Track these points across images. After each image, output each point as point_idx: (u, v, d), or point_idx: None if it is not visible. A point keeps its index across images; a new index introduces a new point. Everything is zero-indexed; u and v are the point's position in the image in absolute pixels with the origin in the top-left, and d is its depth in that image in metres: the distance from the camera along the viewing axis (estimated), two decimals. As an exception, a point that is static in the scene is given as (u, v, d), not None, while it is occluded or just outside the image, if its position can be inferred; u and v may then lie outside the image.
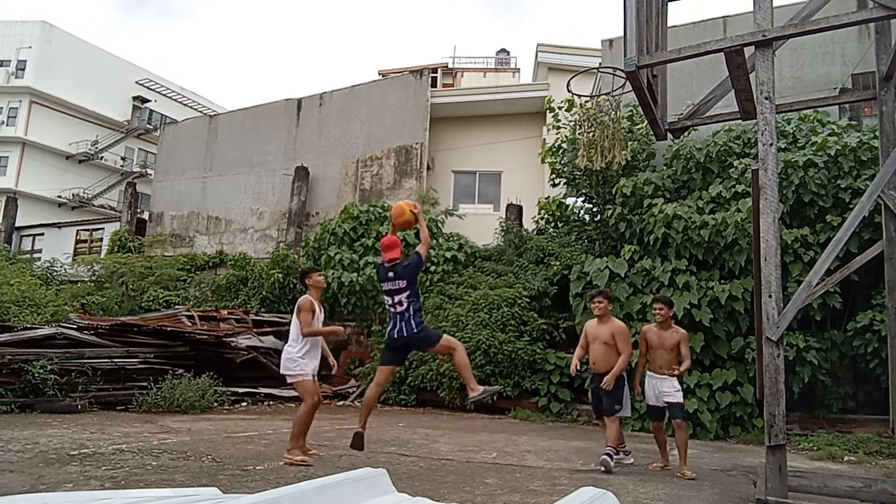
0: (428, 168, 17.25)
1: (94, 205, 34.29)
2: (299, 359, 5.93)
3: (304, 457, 5.79)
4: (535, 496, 4.80)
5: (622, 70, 5.31)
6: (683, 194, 11.08)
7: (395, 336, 5.74)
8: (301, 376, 5.93)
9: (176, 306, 15.00)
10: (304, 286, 6.36)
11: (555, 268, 11.78)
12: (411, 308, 5.71)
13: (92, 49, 36.19)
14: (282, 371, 6.04)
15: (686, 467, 6.02)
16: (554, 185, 13.09)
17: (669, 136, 6.72)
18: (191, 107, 38.44)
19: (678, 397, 6.11)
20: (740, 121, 6.65)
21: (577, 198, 12.80)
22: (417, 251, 5.93)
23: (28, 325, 10.45)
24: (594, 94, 10.32)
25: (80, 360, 9.19)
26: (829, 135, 10.02)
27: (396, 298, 5.75)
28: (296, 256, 15.71)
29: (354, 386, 12.78)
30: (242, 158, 19.29)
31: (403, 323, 5.69)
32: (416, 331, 5.69)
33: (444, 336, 5.93)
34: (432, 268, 13.12)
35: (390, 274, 5.82)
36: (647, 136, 11.61)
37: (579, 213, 12.80)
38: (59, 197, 33.58)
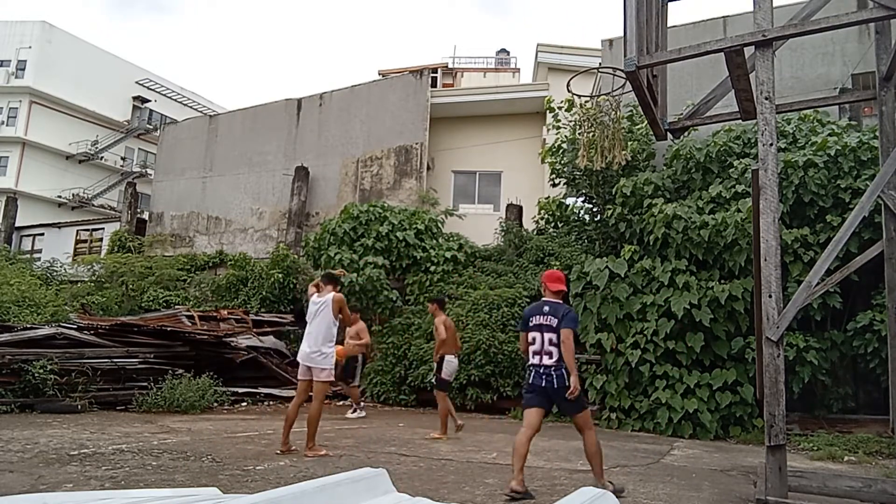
0: (428, 168, 17.26)
1: (94, 205, 34.30)
2: (332, 357, 6.24)
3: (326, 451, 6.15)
4: (535, 496, 4.80)
5: (622, 70, 5.31)
6: (683, 194, 11.07)
7: (544, 384, 4.95)
8: (332, 375, 6.29)
9: (176, 306, 15.00)
10: (315, 288, 6.68)
11: (555, 268, 11.79)
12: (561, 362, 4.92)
13: (92, 49, 36.20)
14: (320, 367, 6.14)
15: (443, 433, 7.73)
16: (554, 185, 13.09)
17: (669, 136, 6.71)
18: (191, 107, 38.45)
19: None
20: (740, 121, 6.65)
21: (577, 198, 12.79)
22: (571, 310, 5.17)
23: (28, 325, 10.44)
24: (594, 94, 10.32)
25: (80, 360, 9.19)
26: (829, 135, 10.01)
27: (547, 337, 4.95)
28: (296, 256, 15.70)
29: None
30: (242, 158, 19.30)
31: (547, 375, 4.93)
32: (566, 384, 4.89)
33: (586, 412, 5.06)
34: (432, 268, 13.11)
35: (545, 308, 5.07)
36: (647, 136, 11.60)
37: (579, 213, 12.80)
38: (59, 197, 33.59)
